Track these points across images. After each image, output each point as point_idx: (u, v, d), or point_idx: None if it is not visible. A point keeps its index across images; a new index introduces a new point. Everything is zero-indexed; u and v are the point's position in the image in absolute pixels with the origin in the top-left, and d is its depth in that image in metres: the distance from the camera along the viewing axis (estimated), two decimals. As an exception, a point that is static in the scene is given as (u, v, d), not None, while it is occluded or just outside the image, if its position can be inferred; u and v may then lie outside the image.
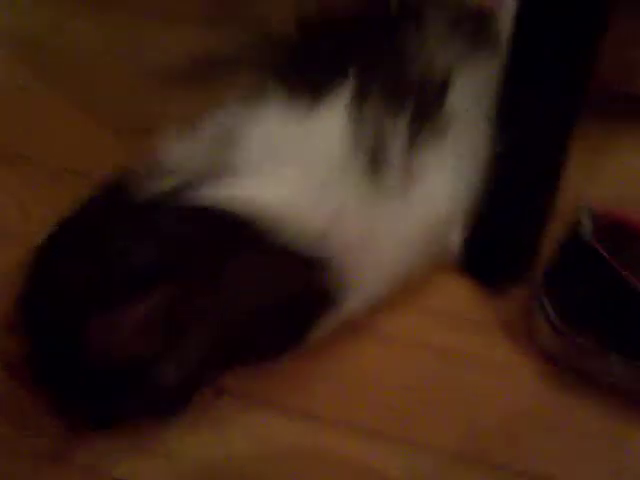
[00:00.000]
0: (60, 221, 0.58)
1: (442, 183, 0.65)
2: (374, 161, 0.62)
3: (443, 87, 0.66)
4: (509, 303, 0.68)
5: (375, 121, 0.63)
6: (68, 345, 0.55)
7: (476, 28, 0.71)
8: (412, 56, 0.67)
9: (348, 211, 0.61)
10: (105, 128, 0.81)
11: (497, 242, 0.69)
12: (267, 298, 0.59)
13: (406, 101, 0.64)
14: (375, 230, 0.62)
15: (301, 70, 0.68)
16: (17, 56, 0.90)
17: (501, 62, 0.61)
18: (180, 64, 0.87)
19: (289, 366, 0.62)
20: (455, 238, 0.68)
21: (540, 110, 0.61)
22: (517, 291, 0.68)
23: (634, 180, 0.76)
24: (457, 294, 0.69)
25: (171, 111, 0.76)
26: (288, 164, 0.61)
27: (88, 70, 0.89)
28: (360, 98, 0.63)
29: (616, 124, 0.80)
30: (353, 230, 0.61)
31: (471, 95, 0.67)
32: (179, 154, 0.61)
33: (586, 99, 0.60)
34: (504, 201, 0.66)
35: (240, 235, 0.58)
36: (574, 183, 0.66)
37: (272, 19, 0.87)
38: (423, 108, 0.65)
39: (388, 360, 0.65)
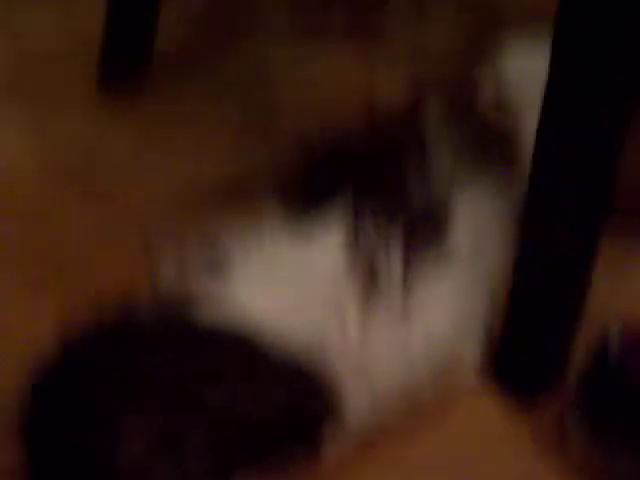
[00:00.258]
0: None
1: (442, 309, 0.67)
2: (371, 283, 0.65)
3: (443, 218, 0.69)
4: (539, 414, 0.69)
5: (371, 245, 0.66)
6: None
7: (495, 147, 0.75)
8: (414, 187, 0.69)
9: (345, 330, 0.63)
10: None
11: (526, 352, 0.70)
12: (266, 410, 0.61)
13: (404, 229, 0.67)
14: (372, 351, 0.64)
15: (302, 193, 0.71)
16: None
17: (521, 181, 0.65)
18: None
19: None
20: (470, 354, 0.70)
21: (566, 220, 0.64)
22: (547, 402, 0.70)
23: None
24: (483, 410, 0.70)
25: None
26: (285, 284, 0.64)
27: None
28: (357, 222, 0.66)
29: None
30: (350, 349, 0.63)
31: (472, 226, 0.70)
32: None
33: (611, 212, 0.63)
34: (532, 310, 0.68)
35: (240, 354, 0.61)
36: (602, 294, 0.68)
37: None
38: (421, 237, 0.67)
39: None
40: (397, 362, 0.65)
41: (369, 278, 0.64)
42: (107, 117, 0.98)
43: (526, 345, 0.70)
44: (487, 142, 0.75)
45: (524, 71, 0.76)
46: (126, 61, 1.01)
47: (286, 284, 0.64)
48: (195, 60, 1.06)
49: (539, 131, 0.62)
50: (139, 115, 0.99)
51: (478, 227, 0.70)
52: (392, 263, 0.65)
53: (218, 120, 0.97)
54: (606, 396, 0.63)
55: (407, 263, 0.65)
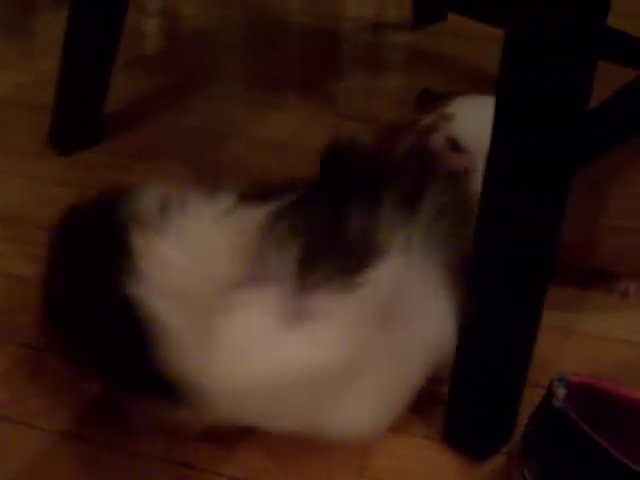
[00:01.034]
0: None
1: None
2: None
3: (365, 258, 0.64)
4: (489, 470, 0.69)
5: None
6: None
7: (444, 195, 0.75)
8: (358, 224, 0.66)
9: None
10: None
11: (474, 410, 0.70)
12: None
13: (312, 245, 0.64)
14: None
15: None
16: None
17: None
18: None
19: None
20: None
21: (511, 281, 0.63)
22: (496, 458, 0.69)
23: (601, 347, 0.79)
24: (436, 464, 0.70)
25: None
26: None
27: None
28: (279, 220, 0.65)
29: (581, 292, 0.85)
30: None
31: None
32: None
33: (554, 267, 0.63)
34: (477, 369, 0.68)
35: None
36: (548, 349, 0.68)
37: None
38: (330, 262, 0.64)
39: None
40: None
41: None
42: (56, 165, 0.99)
43: (473, 407, 0.69)
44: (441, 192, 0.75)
45: (476, 120, 0.78)
46: (78, 114, 1.01)
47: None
48: (145, 114, 1.07)
49: (483, 196, 0.62)
50: (87, 167, 0.99)
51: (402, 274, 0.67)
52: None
53: (164, 172, 0.98)
54: (551, 450, 0.63)
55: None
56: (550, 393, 0.63)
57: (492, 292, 0.64)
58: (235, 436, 0.70)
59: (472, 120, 0.79)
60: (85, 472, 0.68)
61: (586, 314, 0.82)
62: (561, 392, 0.62)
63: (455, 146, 0.79)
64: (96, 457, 0.69)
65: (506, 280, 0.63)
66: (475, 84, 1.11)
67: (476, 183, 0.68)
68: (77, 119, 1.01)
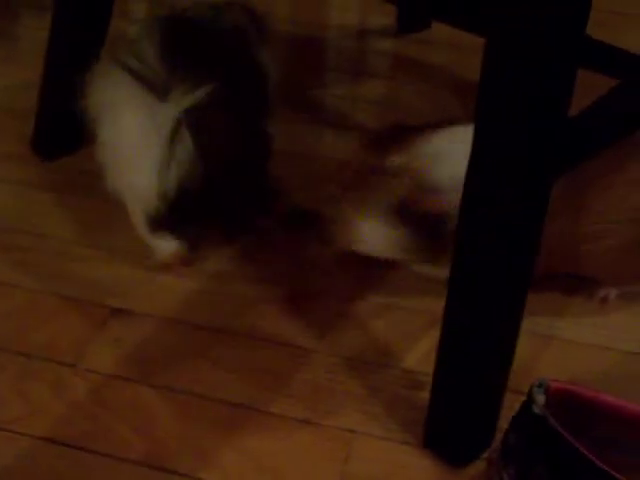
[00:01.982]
0: None
1: None
2: None
3: None
4: (469, 476, 0.69)
5: None
6: None
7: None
8: None
9: None
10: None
11: (454, 416, 0.70)
12: None
13: None
14: None
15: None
16: None
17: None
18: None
19: None
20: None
21: (488, 285, 0.63)
22: (476, 464, 0.70)
23: (581, 353, 0.80)
24: (416, 469, 0.70)
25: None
26: None
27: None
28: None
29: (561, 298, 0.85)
30: None
31: None
32: None
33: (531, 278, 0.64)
34: (457, 375, 0.68)
35: None
36: (528, 355, 0.68)
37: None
38: None
39: None
40: None
41: None
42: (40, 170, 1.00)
43: (453, 412, 0.70)
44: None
45: (450, 158, 0.77)
46: (61, 119, 1.00)
47: None
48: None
49: (462, 210, 0.62)
50: (70, 172, 0.99)
51: None
52: None
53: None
54: (530, 456, 0.63)
55: None
56: (530, 399, 0.63)
57: (472, 297, 0.64)
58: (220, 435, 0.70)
59: (446, 158, 0.76)
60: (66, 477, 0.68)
61: (566, 320, 0.82)
62: (540, 398, 0.63)
63: (429, 187, 0.76)
64: (77, 462, 0.69)
65: (485, 285, 0.63)
66: (458, 93, 1.12)
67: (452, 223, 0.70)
68: (60, 124, 1.00)
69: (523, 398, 0.64)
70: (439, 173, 0.76)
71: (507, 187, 0.59)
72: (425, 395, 0.70)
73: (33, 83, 1.00)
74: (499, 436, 0.67)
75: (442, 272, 0.68)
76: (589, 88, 0.67)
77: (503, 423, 0.67)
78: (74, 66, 0.93)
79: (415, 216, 0.77)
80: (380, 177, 0.78)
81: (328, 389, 0.75)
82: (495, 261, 0.62)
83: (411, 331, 0.81)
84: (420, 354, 0.78)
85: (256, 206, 0.90)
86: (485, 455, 0.70)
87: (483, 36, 0.57)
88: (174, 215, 0.82)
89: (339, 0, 1.40)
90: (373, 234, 0.79)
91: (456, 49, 1.20)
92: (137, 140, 0.80)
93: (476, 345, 0.65)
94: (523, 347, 0.67)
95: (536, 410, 0.62)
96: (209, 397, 0.74)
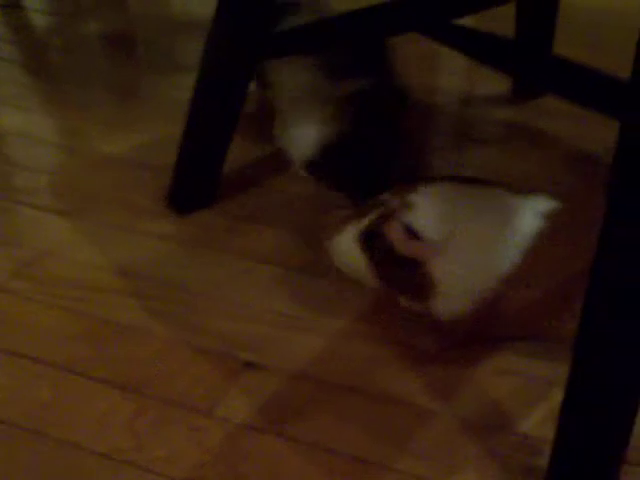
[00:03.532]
0: None
1: None
2: None
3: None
4: None
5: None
6: None
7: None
8: None
9: None
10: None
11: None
12: None
13: None
14: None
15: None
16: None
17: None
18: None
19: None
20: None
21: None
22: None
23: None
24: None
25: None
26: None
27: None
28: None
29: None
30: None
31: None
32: None
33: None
34: (577, 445, 0.70)
35: None
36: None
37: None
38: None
39: None
40: None
41: None
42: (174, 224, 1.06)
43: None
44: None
45: (436, 210, 0.82)
46: (198, 175, 1.07)
47: None
48: (259, 181, 1.14)
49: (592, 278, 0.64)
50: (203, 228, 1.06)
51: None
52: None
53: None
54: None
55: None
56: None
57: (598, 369, 0.66)
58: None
59: (432, 209, 0.82)
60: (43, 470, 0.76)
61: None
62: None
63: (413, 234, 0.81)
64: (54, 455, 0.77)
65: (612, 359, 0.65)
66: (567, 163, 1.15)
67: (434, 270, 0.81)
68: (197, 180, 1.07)
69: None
70: (424, 222, 0.82)
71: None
72: (543, 462, 0.73)
73: (166, 140, 1.06)
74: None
75: (422, 307, 0.84)
76: None
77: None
78: (215, 125, 0.99)
79: (385, 250, 0.83)
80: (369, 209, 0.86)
81: (448, 449, 0.79)
82: (624, 338, 0.64)
83: (528, 396, 0.84)
84: (537, 420, 0.81)
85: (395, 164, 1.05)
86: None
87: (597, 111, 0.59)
88: (328, 163, 1.02)
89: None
90: (348, 255, 0.87)
91: (568, 118, 1.22)
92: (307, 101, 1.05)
93: (599, 417, 0.68)
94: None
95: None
96: (336, 450, 0.78)
